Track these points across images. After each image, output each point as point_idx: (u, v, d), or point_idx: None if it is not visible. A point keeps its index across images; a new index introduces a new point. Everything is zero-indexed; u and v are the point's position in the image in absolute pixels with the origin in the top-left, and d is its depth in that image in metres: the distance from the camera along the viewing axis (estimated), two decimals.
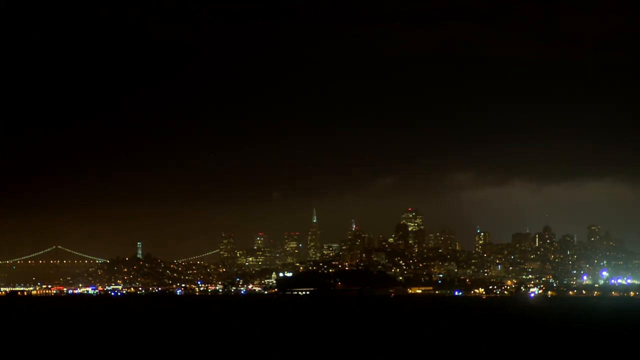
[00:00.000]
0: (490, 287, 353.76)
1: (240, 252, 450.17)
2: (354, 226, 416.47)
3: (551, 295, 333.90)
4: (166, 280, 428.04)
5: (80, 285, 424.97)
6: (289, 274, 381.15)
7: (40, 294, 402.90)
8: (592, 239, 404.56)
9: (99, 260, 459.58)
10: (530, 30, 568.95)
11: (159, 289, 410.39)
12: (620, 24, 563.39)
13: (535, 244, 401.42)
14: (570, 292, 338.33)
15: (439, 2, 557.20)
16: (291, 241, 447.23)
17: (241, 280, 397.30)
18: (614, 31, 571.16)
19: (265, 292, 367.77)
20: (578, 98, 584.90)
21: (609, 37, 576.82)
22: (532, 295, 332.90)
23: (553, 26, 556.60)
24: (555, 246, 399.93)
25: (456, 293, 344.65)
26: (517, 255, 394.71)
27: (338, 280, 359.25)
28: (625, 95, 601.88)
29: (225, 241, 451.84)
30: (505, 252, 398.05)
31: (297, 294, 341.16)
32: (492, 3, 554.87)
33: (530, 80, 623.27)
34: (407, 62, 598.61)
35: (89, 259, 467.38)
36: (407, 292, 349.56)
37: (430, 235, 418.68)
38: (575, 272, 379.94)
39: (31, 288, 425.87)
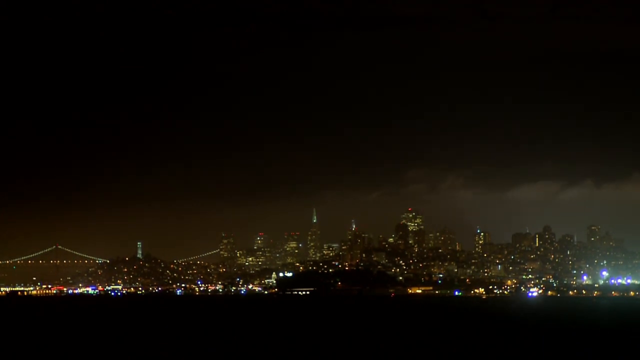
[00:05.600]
0: (490, 287, 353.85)
1: (240, 252, 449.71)
2: (354, 226, 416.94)
3: (551, 294, 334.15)
4: (166, 280, 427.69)
5: (80, 285, 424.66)
6: (289, 274, 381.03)
7: (40, 294, 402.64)
8: (592, 239, 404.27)
9: (99, 260, 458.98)
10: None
11: (159, 289, 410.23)
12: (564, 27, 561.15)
13: (535, 244, 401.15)
14: (570, 292, 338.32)
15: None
16: (291, 241, 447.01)
17: (241, 280, 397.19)
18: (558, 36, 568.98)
19: (265, 292, 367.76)
20: (571, 99, 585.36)
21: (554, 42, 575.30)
22: (532, 295, 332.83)
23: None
24: (555, 246, 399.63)
25: (456, 293, 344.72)
26: (517, 255, 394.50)
27: (338, 280, 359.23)
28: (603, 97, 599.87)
29: (225, 241, 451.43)
30: (505, 252, 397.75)
31: (297, 294, 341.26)
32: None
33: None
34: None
35: (89, 259, 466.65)
36: (407, 292, 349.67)
37: (430, 235, 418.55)
38: (575, 272, 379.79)
39: (31, 288, 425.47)
